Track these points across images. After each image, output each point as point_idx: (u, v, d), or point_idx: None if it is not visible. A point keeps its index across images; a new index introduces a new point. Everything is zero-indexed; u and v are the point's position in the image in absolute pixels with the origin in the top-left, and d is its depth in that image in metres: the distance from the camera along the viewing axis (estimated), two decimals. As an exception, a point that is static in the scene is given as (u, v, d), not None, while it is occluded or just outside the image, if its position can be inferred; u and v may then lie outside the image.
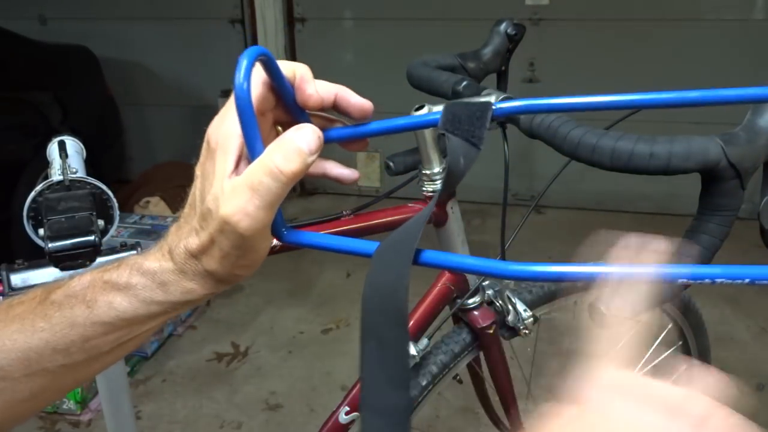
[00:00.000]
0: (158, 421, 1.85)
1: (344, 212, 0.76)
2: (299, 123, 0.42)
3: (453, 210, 0.82)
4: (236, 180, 0.39)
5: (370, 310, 0.38)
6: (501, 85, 0.89)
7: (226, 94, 3.02)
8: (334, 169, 0.49)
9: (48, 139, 0.85)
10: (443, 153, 0.80)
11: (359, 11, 3.19)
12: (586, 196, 3.11)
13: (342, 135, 0.47)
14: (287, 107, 0.44)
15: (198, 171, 0.43)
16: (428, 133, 0.73)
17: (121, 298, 0.43)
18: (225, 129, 0.41)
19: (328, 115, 0.48)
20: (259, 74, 0.41)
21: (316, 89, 0.44)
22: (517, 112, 0.49)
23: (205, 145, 0.42)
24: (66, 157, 0.80)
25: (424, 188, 0.77)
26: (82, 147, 0.88)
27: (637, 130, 0.60)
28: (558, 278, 0.39)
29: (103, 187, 0.77)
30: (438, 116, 0.45)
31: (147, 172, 3.13)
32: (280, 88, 0.42)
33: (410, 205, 0.80)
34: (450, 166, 0.44)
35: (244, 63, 0.37)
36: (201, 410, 1.90)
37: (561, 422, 0.30)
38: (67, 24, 3.45)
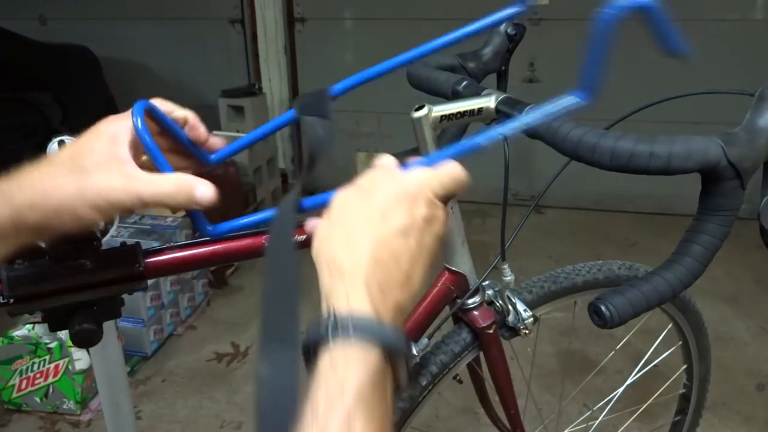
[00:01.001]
0: (158, 421, 1.86)
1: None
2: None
3: (453, 210, 0.81)
4: (145, 176, 0.53)
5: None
6: (501, 85, 0.89)
7: (226, 94, 3.03)
8: (191, 131, 0.62)
9: (48, 139, 0.85)
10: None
11: (359, 11, 3.19)
12: (586, 196, 3.11)
13: (225, 152, 0.64)
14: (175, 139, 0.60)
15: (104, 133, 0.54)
16: (428, 132, 0.73)
17: None
18: (118, 126, 0.55)
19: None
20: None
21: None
22: (349, 87, 0.62)
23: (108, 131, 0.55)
24: (66, 157, 0.80)
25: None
26: (82, 147, 0.88)
27: (637, 130, 0.59)
28: None
29: (103, 187, 0.77)
30: (291, 113, 0.61)
31: (147, 172, 3.13)
32: (168, 127, 0.59)
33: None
34: (311, 141, 0.56)
35: (138, 118, 0.55)
36: (201, 410, 1.90)
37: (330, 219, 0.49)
38: (67, 24, 3.45)
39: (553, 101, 0.53)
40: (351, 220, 0.47)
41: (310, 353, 0.42)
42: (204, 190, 0.54)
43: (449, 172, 0.51)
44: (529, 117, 0.55)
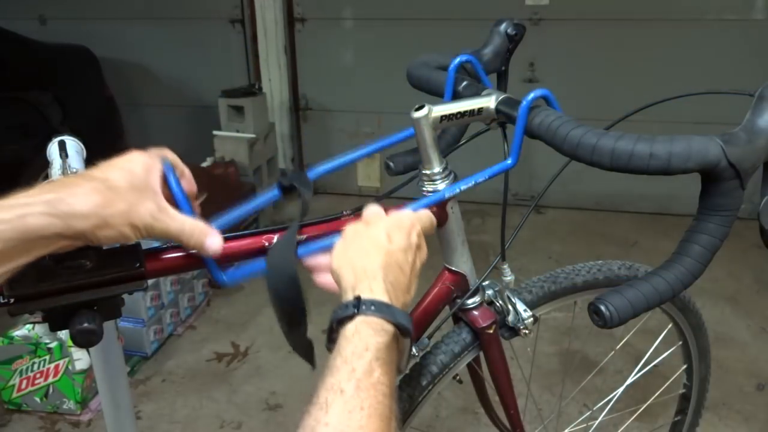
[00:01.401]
0: (158, 421, 1.86)
1: (344, 212, 0.76)
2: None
3: (453, 210, 0.81)
4: (173, 212, 0.60)
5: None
6: (501, 85, 0.89)
7: (226, 94, 3.03)
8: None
9: (48, 139, 0.85)
10: (444, 153, 0.80)
11: (359, 11, 3.19)
12: (586, 196, 3.11)
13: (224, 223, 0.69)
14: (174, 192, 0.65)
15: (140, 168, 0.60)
16: (428, 133, 0.73)
17: None
18: (149, 160, 0.61)
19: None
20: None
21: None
22: (326, 171, 0.76)
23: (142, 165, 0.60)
24: (66, 157, 0.80)
25: (424, 188, 0.77)
26: (82, 147, 0.88)
27: (638, 130, 0.60)
28: None
29: (103, 187, 0.76)
30: (276, 191, 0.73)
31: (147, 172, 3.12)
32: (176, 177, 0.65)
33: (410, 205, 0.80)
34: (304, 200, 0.70)
35: (170, 175, 0.63)
36: (201, 410, 1.90)
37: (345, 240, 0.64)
38: (67, 24, 3.45)
39: (489, 168, 0.73)
40: (363, 240, 0.62)
41: (333, 330, 0.56)
42: (213, 242, 0.62)
43: (425, 215, 0.70)
44: (470, 180, 0.74)
